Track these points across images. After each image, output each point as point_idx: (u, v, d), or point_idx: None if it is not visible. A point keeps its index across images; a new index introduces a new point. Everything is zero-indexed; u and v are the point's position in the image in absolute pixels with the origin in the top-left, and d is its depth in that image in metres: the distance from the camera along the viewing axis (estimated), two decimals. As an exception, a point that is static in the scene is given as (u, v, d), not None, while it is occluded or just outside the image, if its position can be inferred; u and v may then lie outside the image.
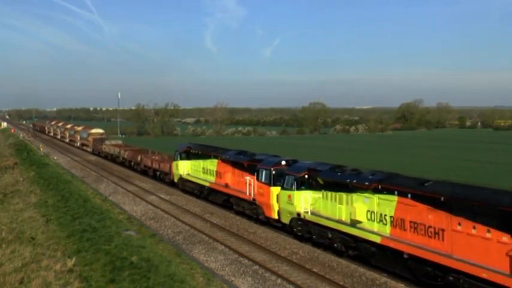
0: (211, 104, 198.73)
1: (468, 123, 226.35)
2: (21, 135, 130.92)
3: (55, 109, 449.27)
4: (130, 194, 44.74)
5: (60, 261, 22.94)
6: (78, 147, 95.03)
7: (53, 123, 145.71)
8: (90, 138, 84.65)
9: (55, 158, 76.71)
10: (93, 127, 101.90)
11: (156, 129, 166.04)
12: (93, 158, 79.00)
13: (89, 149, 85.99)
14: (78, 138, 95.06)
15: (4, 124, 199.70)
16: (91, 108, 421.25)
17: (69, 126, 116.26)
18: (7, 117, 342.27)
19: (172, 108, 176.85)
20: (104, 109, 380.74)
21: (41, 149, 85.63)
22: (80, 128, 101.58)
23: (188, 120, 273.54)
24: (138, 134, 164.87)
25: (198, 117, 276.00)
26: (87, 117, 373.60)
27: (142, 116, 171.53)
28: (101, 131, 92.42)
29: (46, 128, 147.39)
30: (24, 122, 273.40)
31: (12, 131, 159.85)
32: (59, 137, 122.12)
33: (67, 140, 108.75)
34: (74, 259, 23.02)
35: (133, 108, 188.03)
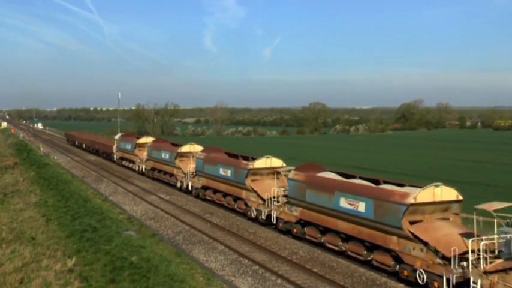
0: (211, 104, 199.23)
1: (468, 124, 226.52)
2: (21, 135, 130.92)
3: (55, 109, 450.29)
4: (131, 194, 44.73)
5: (60, 261, 22.93)
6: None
7: (141, 141, 59.85)
8: None
9: (55, 158, 76.68)
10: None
11: (156, 129, 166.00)
12: (93, 157, 78.85)
13: None
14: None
15: (4, 124, 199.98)
16: (91, 108, 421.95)
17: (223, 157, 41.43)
18: (7, 117, 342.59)
19: (172, 108, 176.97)
20: (104, 109, 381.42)
21: (41, 149, 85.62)
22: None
23: (188, 120, 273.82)
24: (138, 134, 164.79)
25: (198, 117, 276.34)
26: (87, 117, 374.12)
27: (142, 116, 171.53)
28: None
29: (115, 151, 68.61)
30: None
31: (13, 130, 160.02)
32: (177, 184, 46.74)
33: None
34: (74, 259, 23.02)
35: (133, 108, 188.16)
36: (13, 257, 23.60)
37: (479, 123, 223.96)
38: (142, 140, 59.94)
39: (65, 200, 39.33)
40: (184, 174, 43.97)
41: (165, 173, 49.66)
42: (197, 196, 41.61)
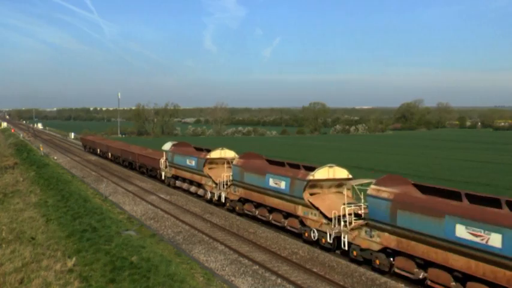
0: (211, 104, 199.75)
1: (468, 123, 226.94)
2: (21, 135, 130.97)
3: (55, 109, 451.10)
4: (131, 194, 44.73)
5: (60, 261, 22.92)
6: None
7: (215, 155, 41.33)
8: None
9: (55, 158, 76.70)
10: None
11: (156, 129, 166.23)
12: (93, 157, 78.92)
13: None
14: None
15: (4, 124, 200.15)
16: (91, 108, 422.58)
17: None
18: (7, 117, 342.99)
19: (172, 108, 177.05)
20: (104, 109, 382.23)
21: (41, 149, 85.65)
22: None
23: (188, 120, 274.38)
24: (138, 134, 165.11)
25: (198, 117, 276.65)
26: (87, 117, 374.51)
27: (142, 116, 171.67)
28: None
29: (164, 167, 50.10)
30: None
31: (13, 130, 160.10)
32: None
33: None
34: (74, 259, 23.01)
35: (133, 108, 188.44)
36: (13, 257, 23.59)
37: (479, 123, 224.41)
38: (216, 154, 41.12)
39: (65, 200, 39.33)
40: (328, 219, 26.33)
41: (272, 209, 31.47)
42: None
